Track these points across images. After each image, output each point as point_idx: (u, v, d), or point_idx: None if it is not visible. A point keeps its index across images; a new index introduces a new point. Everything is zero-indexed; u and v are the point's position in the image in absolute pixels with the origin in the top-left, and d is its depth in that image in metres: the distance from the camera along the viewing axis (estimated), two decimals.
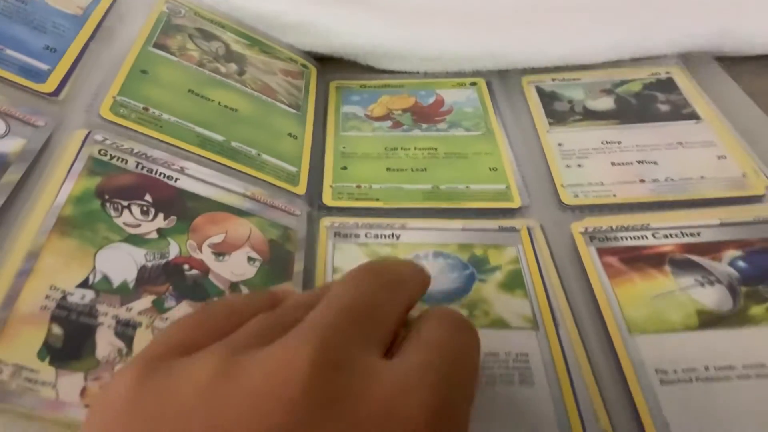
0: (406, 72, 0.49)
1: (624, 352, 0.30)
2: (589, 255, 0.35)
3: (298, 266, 0.34)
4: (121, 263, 0.29)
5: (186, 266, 0.31)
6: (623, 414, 0.28)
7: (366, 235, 0.36)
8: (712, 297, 0.33)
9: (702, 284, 0.34)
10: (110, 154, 0.32)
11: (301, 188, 0.38)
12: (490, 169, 0.41)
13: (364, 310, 0.21)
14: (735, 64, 0.50)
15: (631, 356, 0.30)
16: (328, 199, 0.39)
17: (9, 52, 0.33)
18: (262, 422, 0.16)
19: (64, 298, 0.27)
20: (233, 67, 0.42)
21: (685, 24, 0.49)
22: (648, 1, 0.50)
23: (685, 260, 0.35)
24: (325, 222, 0.37)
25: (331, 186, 0.40)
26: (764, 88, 0.48)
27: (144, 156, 0.33)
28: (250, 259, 0.33)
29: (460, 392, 0.20)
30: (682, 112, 0.46)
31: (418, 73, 0.50)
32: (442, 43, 0.47)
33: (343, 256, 0.35)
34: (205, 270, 0.31)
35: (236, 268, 0.32)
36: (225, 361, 0.18)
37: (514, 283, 0.34)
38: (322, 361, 0.18)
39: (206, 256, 0.32)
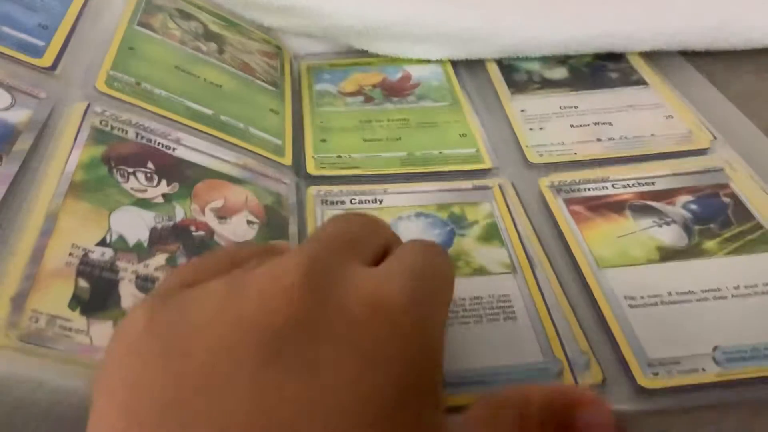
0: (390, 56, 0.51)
1: (595, 283, 0.34)
2: (557, 205, 0.38)
3: (293, 229, 0.36)
4: (133, 224, 0.31)
5: (192, 228, 0.33)
6: (599, 335, 0.32)
7: (351, 201, 0.39)
8: (669, 235, 0.37)
9: (659, 225, 0.37)
10: (111, 125, 0.34)
11: (287, 159, 0.40)
12: (459, 135, 0.44)
13: (347, 237, 0.24)
14: (734, 64, 0.52)
15: (602, 286, 0.33)
16: (311, 169, 0.41)
17: (5, 29, 0.34)
18: (266, 322, 0.19)
19: (86, 255, 0.28)
20: (213, 46, 0.44)
21: (681, 16, 0.50)
22: None
23: (642, 205, 0.39)
24: (312, 191, 0.39)
25: (313, 157, 0.42)
26: (764, 89, 0.50)
27: (142, 127, 0.35)
28: (249, 222, 0.35)
29: (435, 289, 0.24)
30: (630, 78, 0.50)
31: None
32: (434, 27, 0.48)
33: None
34: (210, 231, 0.33)
35: (238, 230, 0.34)
36: (230, 282, 0.21)
37: (490, 235, 0.37)
38: (312, 267, 0.21)
39: (209, 219, 0.34)
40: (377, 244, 0.25)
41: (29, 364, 0.25)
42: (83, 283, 0.27)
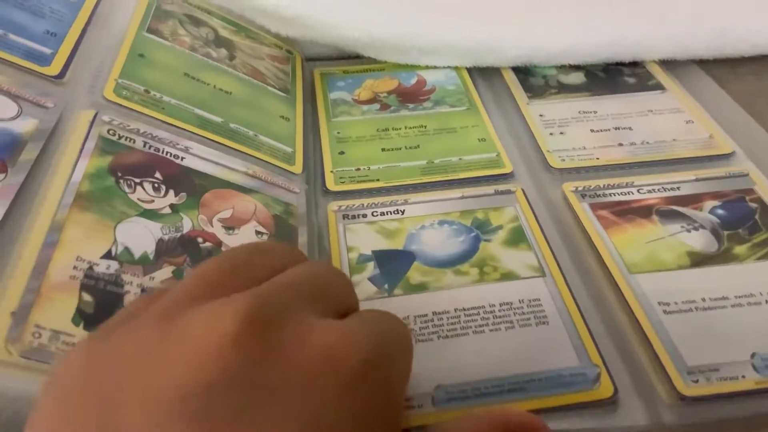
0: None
1: (627, 288, 0.32)
2: (583, 209, 0.37)
3: (302, 239, 0.35)
4: (139, 236, 0.30)
5: (200, 239, 0.31)
6: (635, 341, 0.30)
7: (373, 214, 0.37)
8: (699, 240, 0.35)
9: (688, 230, 0.36)
10: (118, 134, 0.33)
11: (298, 167, 0.39)
12: (478, 140, 0.43)
13: (309, 283, 0.21)
14: (737, 65, 0.51)
15: (635, 291, 0.32)
16: (331, 185, 0.40)
17: (12, 36, 0.33)
18: (198, 376, 0.16)
19: (90, 268, 0.27)
20: (223, 52, 0.43)
21: (685, 23, 0.50)
22: (646, 3, 0.50)
23: (670, 210, 0.37)
24: (332, 207, 0.38)
25: (332, 171, 0.40)
26: (766, 89, 0.49)
27: (150, 136, 0.34)
28: (257, 232, 0.33)
29: (396, 353, 0.21)
30: (647, 83, 0.49)
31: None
32: (440, 37, 0.48)
33: (354, 236, 0.36)
34: (218, 243, 0.32)
35: (246, 241, 0.33)
36: (159, 325, 0.18)
37: (517, 238, 0.36)
38: (256, 311, 0.18)
39: (217, 230, 0.32)
40: (342, 301, 0.22)
41: (30, 379, 0.23)
42: (87, 297, 0.26)
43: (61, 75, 0.33)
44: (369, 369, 0.18)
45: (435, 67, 0.50)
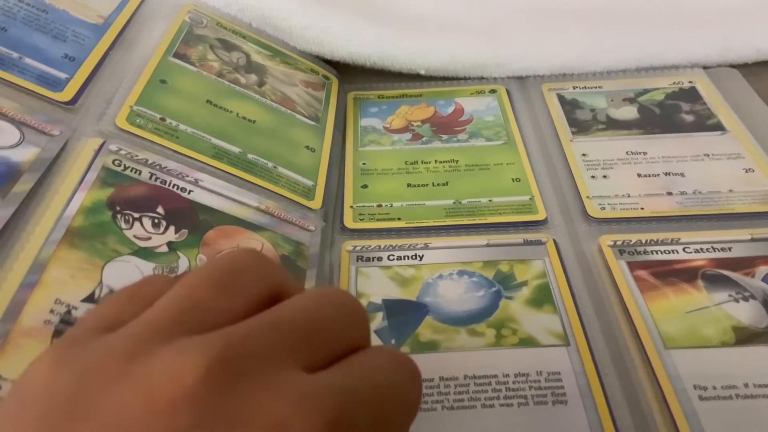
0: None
1: (661, 368, 0.29)
2: (620, 269, 0.34)
3: (309, 283, 0.33)
4: (128, 277, 0.28)
5: None
6: (663, 430, 0.27)
7: (389, 258, 0.35)
8: (748, 313, 0.32)
9: (736, 300, 0.32)
10: (124, 165, 0.31)
11: (317, 203, 0.37)
12: (513, 179, 0.40)
13: (304, 328, 0.18)
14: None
15: (668, 371, 0.29)
16: (349, 221, 0.38)
17: (28, 60, 0.33)
18: (149, 426, 0.15)
19: (68, 312, 0.26)
20: (253, 78, 0.41)
21: (688, 32, 0.49)
22: (649, 10, 0.51)
23: (717, 275, 0.34)
24: (347, 246, 0.36)
25: (351, 207, 0.39)
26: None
27: (158, 167, 0.32)
28: None
29: (380, 420, 0.18)
30: (706, 123, 0.45)
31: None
32: (448, 53, 0.48)
33: (366, 281, 0.34)
34: None
35: None
36: (125, 358, 0.16)
37: (541, 298, 0.33)
38: (217, 371, 0.16)
39: None
40: (343, 340, 0.19)
41: None
42: None
43: (73, 101, 0.32)
44: None
45: (474, 94, 0.48)
